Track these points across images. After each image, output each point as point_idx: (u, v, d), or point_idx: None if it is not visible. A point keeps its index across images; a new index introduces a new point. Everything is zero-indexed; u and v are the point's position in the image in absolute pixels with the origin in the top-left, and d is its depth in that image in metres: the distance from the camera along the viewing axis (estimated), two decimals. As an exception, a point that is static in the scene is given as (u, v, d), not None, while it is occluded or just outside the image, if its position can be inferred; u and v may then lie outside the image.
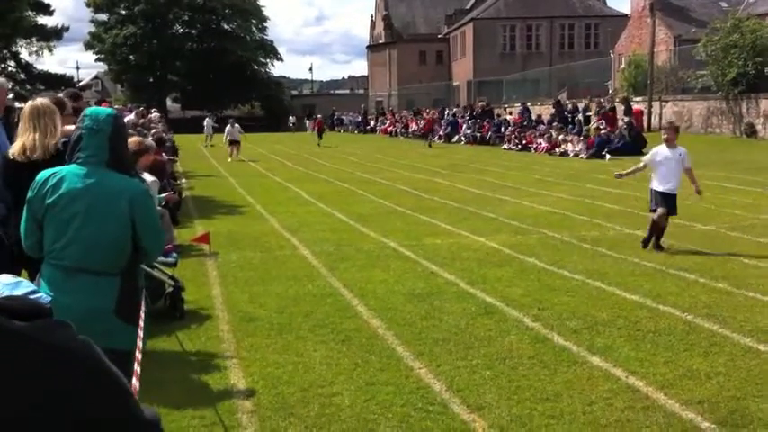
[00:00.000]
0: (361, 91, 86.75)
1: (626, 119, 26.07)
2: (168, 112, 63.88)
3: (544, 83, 50.32)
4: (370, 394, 4.77)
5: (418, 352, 5.56)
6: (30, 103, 4.83)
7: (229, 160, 26.42)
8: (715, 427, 4.24)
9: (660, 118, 32.85)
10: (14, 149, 4.70)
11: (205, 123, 38.29)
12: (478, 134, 34.76)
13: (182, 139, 33.84)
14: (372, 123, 54.55)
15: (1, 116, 5.92)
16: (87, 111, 3.72)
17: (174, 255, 7.27)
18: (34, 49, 53.42)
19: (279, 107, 70.75)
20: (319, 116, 44.84)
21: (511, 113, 34.91)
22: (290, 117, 63.70)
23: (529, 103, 36.36)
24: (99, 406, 0.88)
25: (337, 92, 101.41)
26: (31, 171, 3.95)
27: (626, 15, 51.96)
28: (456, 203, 13.82)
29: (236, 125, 28.13)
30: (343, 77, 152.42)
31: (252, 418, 4.46)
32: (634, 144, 24.50)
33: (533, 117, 33.81)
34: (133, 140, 7.28)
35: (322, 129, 39.68)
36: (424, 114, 43.35)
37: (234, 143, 27.47)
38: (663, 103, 32.94)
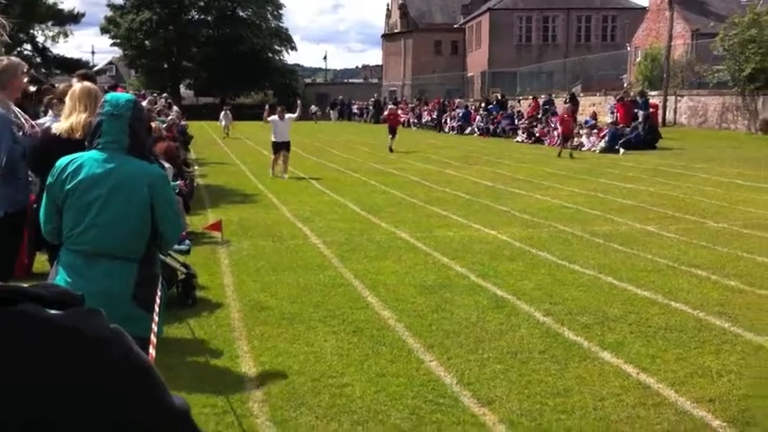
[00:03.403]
0: (375, 80, 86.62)
1: (643, 112, 25.90)
2: (182, 99, 63.83)
3: (559, 75, 50.03)
4: (380, 386, 4.79)
5: (429, 344, 5.58)
6: (83, 83, 4.84)
7: (271, 173, 17.24)
8: (726, 426, 4.24)
9: (675, 113, 32.69)
10: (61, 128, 4.63)
11: (221, 116, 35.67)
12: (491, 126, 34.65)
13: (195, 126, 33.90)
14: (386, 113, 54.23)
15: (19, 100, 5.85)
16: (107, 96, 3.75)
17: (187, 242, 7.32)
18: (50, 33, 53.24)
19: (293, 95, 70.44)
20: (392, 106, 35.96)
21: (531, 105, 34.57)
22: (312, 106, 60.77)
23: (544, 95, 36.08)
24: (132, 396, 0.89)
25: (351, 81, 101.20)
26: (70, 150, 3.90)
27: (644, 8, 51.60)
28: (468, 195, 13.81)
29: (288, 115, 17.92)
30: (357, 66, 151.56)
31: (263, 407, 4.49)
32: (648, 138, 24.37)
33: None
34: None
35: (396, 125, 26.33)
36: (557, 111, 30.08)
37: (282, 147, 17.08)
38: (678, 98, 32.76)
